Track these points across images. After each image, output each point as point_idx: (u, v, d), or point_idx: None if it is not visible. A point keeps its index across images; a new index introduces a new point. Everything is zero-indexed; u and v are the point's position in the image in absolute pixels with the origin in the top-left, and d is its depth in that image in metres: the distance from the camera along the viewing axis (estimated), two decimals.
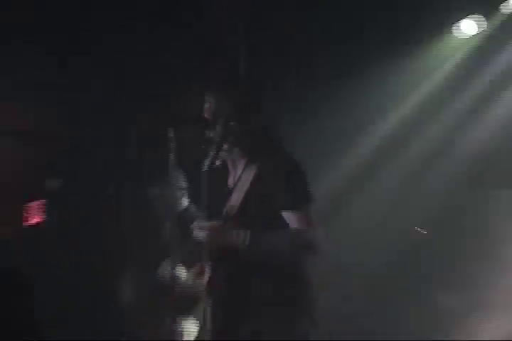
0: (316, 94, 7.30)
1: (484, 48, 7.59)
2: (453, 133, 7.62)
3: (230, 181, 4.67)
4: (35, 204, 6.91)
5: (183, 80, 7.28)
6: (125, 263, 6.68)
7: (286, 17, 7.49)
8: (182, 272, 4.94)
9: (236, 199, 4.50)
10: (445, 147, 7.61)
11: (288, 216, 4.39)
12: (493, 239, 6.94)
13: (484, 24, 7.44)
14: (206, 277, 4.59)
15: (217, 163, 4.59)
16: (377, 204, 7.56)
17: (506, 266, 6.73)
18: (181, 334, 4.92)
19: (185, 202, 4.99)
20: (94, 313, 6.61)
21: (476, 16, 7.45)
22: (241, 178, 4.60)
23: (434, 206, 7.42)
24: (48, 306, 4.74)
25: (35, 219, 6.89)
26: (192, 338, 4.89)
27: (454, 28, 7.59)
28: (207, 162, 4.56)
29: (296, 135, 5.32)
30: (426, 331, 6.81)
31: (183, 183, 5.06)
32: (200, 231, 4.49)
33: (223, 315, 4.50)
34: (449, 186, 7.46)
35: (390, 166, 7.59)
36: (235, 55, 7.56)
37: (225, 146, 4.56)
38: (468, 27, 7.52)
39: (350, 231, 7.23)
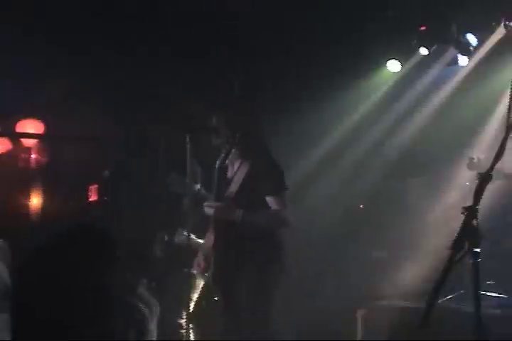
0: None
1: (399, 86, 7.99)
2: (376, 144, 7.98)
3: (229, 175, 5.03)
4: (94, 188, 7.17)
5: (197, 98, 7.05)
6: (154, 226, 6.64)
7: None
8: (195, 237, 5.47)
9: (234, 187, 4.94)
10: (371, 153, 7.93)
11: (269, 199, 4.86)
12: (407, 211, 7.22)
13: (404, 64, 7.76)
14: (212, 240, 5.04)
15: (226, 162, 5.00)
16: (328, 192, 7.73)
17: (416, 231, 6.97)
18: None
19: (197, 186, 5.50)
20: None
21: (399, 57, 7.74)
22: (237, 173, 4.96)
23: (366, 191, 7.77)
24: None
25: (94, 197, 7.18)
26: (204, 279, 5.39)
27: (383, 66, 7.82)
28: (218, 162, 5.04)
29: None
30: (363, 274, 7.21)
31: (197, 173, 5.62)
32: (209, 208, 4.96)
33: (224, 265, 4.97)
34: (375, 178, 7.75)
35: (336, 166, 7.85)
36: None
37: (233, 151, 4.99)
38: (393, 65, 7.77)
39: (311, 210, 7.41)
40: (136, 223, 6.87)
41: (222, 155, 5.02)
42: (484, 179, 3.22)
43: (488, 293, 6.36)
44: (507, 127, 3.32)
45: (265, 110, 5.99)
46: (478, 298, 3.23)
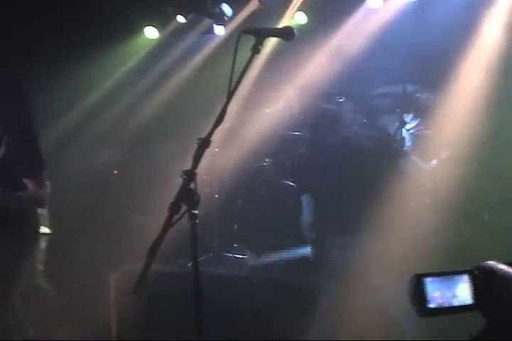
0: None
1: (156, 52, 8.02)
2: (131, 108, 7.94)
3: None
4: None
5: None
6: None
7: None
8: None
9: None
10: (125, 118, 7.88)
11: (27, 181, 4.56)
12: (159, 176, 6.97)
13: (161, 31, 7.85)
14: None
15: None
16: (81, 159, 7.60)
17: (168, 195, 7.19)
18: None
19: None
20: None
21: (156, 24, 7.80)
22: None
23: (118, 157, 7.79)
24: None
25: None
26: None
27: (140, 33, 7.85)
28: None
29: None
30: (117, 239, 7.00)
31: None
32: None
33: None
34: (126, 144, 7.82)
35: (90, 130, 7.81)
36: None
37: None
38: (150, 32, 7.83)
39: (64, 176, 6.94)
40: None
41: None
42: (203, 144, 3.38)
43: (236, 255, 6.66)
44: (228, 95, 3.48)
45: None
46: (195, 257, 3.40)
